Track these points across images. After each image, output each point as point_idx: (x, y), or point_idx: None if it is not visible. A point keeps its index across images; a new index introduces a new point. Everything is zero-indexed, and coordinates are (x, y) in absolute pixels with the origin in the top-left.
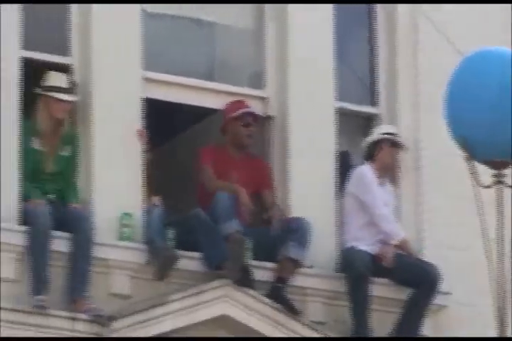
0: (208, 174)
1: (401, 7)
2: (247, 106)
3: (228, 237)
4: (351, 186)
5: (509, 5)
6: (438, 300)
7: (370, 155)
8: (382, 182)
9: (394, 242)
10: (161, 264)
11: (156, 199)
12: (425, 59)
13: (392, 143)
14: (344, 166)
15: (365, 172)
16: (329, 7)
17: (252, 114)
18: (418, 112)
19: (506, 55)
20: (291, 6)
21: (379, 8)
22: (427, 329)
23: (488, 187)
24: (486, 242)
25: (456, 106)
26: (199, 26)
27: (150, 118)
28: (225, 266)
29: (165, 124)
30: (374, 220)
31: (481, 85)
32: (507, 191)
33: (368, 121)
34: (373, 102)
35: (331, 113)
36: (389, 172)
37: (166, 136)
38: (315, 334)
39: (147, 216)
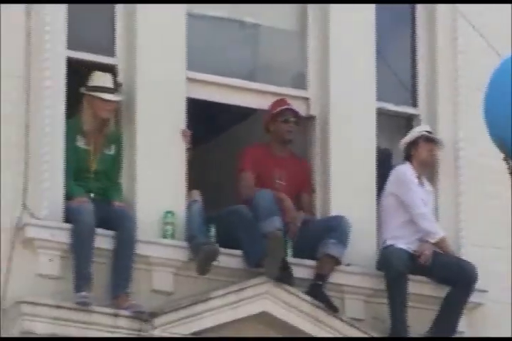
0: (246, 181)
1: (440, 8)
2: (287, 104)
3: (268, 235)
4: (391, 185)
5: None
6: (474, 297)
7: (408, 155)
8: (421, 181)
9: (432, 241)
10: (202, 259)
11: (196, 194)
12: (464, 61)
13: (427, 139)
14: (385, 165)
15: (404, 171)
16: (371, 7)
17: (291, 111)
18: (457, 113)
19: None
20: (333, 7)
21: (420, 8)
22: (462, 327)
23: None
24: None
25: (495, 108)
26: (242, 28)
27: (194, 117)
28: (264, 263)
29: (208, 123)
30: (413, 219)
31: None
32: None
33: (408, 122)
34: (413, 103)
35: (372, 113)
36: (427, 170)
37: (209, 135)
38: (354, 331)
39: (188, 211)
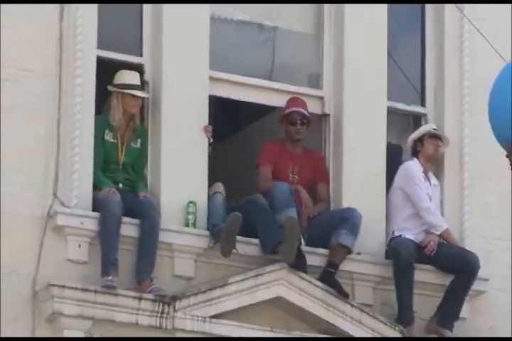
0: (264, 174)
1: (448, 13)
2: (299, 105)
3: (284, 223)
4: (398, 180)
5: None
6: (476, 285)
7: (415, 151)
8: (427, 176)
9: (437, 232)
10: (224, 236)
11: (219, 186)
12: (470, 63)
13: (433, 136)
14: (394, 161)
15: (411, 166)
16: (383, 7)
17: (299, 113)
18: (463, 112)
19: None
20: (347, 8)
21: (428, 11)
22: (465, 313)
23: None
24: None
25: (499, 108)
26: (261, 30)
27: (216, 114)
28: (279, 250)
29: (230, 120)
30: (419, 213)
31: None
32: None
33: (416, 120)
34: (422, 102)
35: (383, 112)
36: (433, 166)
37: (230, 131)
38: (364, 316)
39: (211, 202)
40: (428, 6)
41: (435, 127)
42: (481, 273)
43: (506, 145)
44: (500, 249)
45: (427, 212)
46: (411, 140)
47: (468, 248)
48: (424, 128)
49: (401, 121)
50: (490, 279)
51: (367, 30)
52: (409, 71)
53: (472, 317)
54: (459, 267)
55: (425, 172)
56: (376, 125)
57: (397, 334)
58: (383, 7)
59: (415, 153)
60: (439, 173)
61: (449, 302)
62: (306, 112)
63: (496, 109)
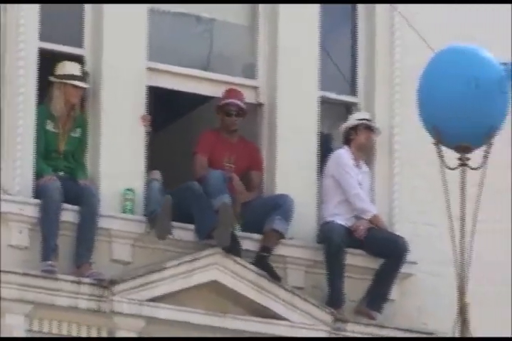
0: (200, 162)
1: (379, 7)
2: (235, 96)
3: (218, 209)
4: (330, 168)
5: (479, 5)
6: (405, 268)
7: (347, 140)
8: (358, 163)
9: (366, 218)
10: (159, 219)
11: (156, 173)
12: (400, 54)
13: (367, 127)
14: (327, 149)
15: (341, 155)
16: (316, 6)
17: (234, 104)
18: (393, 102)
19: (473, 50)
20: (282, 4)
21: (360, 7)
22: (394, 295)
23: (453, 169)
24: (449, 219)
25: (428, 97)
26: (198, 22)
27: (154, 104)
28: (214, 235)
29: (169, 109)
30: (349, 199)
31: (451, 77)
32: (470, 173)
33: (348, 109)
34: (353, 92)
35: (315, 101)
36: (365, 154)
37: (169, 120)
38: (295, 298)
39: (147, 189)
40: None
41: (369, 117)
42: (409, 257)
43: (435, 133)
44: (428, 233)
45: (357, 198)
46: (344, 128)
47: (398, 233)
48: (357, 117)
49: (333, 110)
50: (418, 263)
51: (300, 21)
52: (341, 61)
53: (401, 298)
54: (388, 251)
55: (356, 160)
56: (308, 114)
57: (327, 316)
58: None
59: (347, 141)
60: (370, 161)
61: (378, 285)
62: (242, 104)
63: (425, 97)
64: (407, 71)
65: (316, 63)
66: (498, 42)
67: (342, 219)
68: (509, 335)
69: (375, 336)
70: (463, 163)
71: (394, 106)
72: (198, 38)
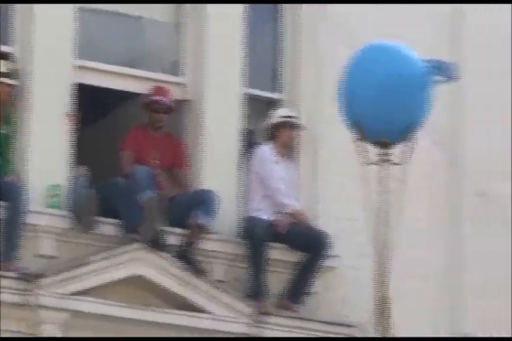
0: (126, 159)
1: (304, 6)
2: (162, 94)
3: (143, 204)
4: (254, 164)
5: (406, 5)
6: (328, 262)
7: (271, 136)
8: (281, 159)
9: (288, 212)
10: (83, 212)
11: (81, 169)
12: (324, 53)
13: (290, 124)
14: (252, 145)
15: (264, 151)
16: (241, 5)
17: (160, 102)
18: (317, 99)
19: (394, 48)
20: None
21: (285, 6)
22: (317, 288)
23: (372, 164)
24: (369, 214)
25: (349, 94)
26: (126, 20)
27: (83, 101)
28: (139, 230)
29: (97, 106)
30: (271, 194)
31: (371, 74)
32: (395, 169)
33: (272, 106)
34: (278, 89)
35: (240, 98)
36: (289, 151)
37: (96, 116)
38: (218, 292)
39: (73, 185)
40: None
41: (293, 114)
42: (333, 251)
43: (356, 129)
44: (351, 228)
45: (279, 193)
46: (267, 125)
47: (322, 228)
48: (282, 114)
49: (259, 107)
50: (341, 256)
51: (225, 19)
52: (267, 59)
53: (324, 291)
54: (310, 245)
55: (281, 156)
56: (233, 111)
57: (249, 309)
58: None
59: (272, 138)
60: (294, 157)
61: (300, 279)
62: (168, 102)
63: (346, 94)
64: (333, 68)
65: (240, 60)
66: (424, 41)
67: (265, 214)
68: (429, 329)
69: (297, 328)
70: (383, 159)
71: (319, 102)
72: (126, 35)
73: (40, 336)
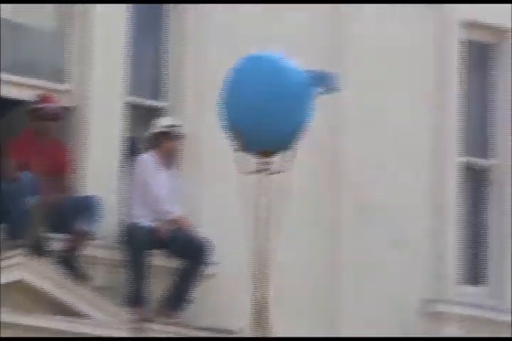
0: (12, 164)
1: (189, 13)
2: (49, 101)
3: (27, 210)
4: (136, 171)
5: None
6: (209, 269)
7: (154, 145)
8: (164, 167)
9: (170, 218)
10: None
11: None
12: (210, 59)
13: (174, 134)
14: (135, 152)
15: (146, 159)
16: (123, 11)
17: (45, 110)
18: (201, 107)
19: (274, 58)
20: (94, 8)
21: (171, 14)
22: (198, 294)
23: (251, 173)
24: (248, 221)
25: (230, 104)
26: (9, 26)
27: None
28: (22, 235)
29: None
30: (152, 201)
31: (252, 83)
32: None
33: (155, 114)
34: (161, 97)
35: (121, 106)
36: (172, 159)
37: None
38: (99, 298)
39: None
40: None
41: (176, 123)
42: (213, 258)
43: (235, 139)
44: (232, 235)
45: (158, 200)
46: (151, 133)
47: (204, 235)
48: (165, 124)
49: (142, 115)
50: (222, 263)
51: (109, 26)
52: (150, 67)
53: (205, 298)
54: (190, 252)
55: (163, 164)
56: (115, 118)
57: (129, 316)
58: (124, 6)
59: (155, 146)
60: (178, 165)
61: (180, 286)
62: (55, 109)
63: (227, 104)
64: (215, 77)
65: (123, 68)
66: (308, 50)
67: (147, 220)
68: (305, 335)
69: (176, 335)
70: (262, 168)
71: (202, 111)
72: (10, 42)
73: None
